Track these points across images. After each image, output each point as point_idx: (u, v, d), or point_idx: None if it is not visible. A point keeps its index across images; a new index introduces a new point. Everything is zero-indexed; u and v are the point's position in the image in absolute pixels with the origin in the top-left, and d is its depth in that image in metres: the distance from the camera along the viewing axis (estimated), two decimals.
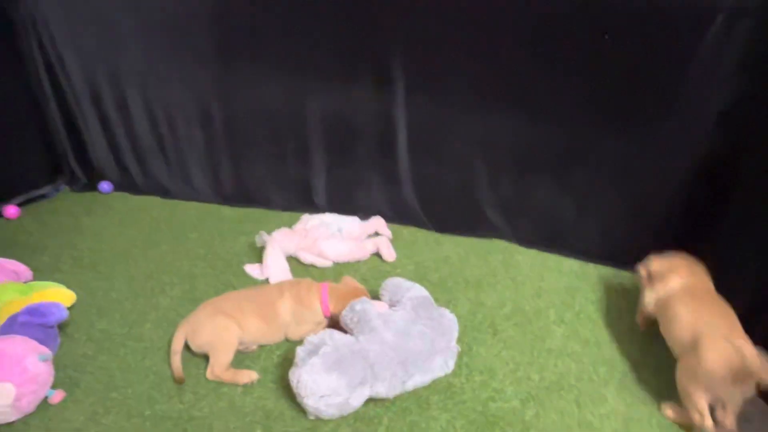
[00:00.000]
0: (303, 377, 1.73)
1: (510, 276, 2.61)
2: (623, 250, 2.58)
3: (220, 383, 1.95)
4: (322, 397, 1.71)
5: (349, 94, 2.78)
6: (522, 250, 2.82)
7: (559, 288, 2.52)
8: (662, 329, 2.00)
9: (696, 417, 1.69)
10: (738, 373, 1.61)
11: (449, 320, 2.04)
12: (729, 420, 1.69)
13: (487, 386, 1.96)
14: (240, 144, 3.09)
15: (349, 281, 2.26)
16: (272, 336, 2.13)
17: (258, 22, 2.69)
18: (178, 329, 2.06)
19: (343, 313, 2.01)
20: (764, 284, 2.03)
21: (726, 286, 2.13)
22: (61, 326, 2.16)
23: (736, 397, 1.66)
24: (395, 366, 1.81)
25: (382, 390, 1.80)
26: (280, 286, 2.22)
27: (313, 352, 1.80)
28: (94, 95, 3.13)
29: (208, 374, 1.97)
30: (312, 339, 1.86)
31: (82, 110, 3.19)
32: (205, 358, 2.02)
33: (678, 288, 1.98)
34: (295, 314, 2.11)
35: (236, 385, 1.95)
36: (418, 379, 1.87)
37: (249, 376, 1.97)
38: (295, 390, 1.76)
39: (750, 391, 1.67)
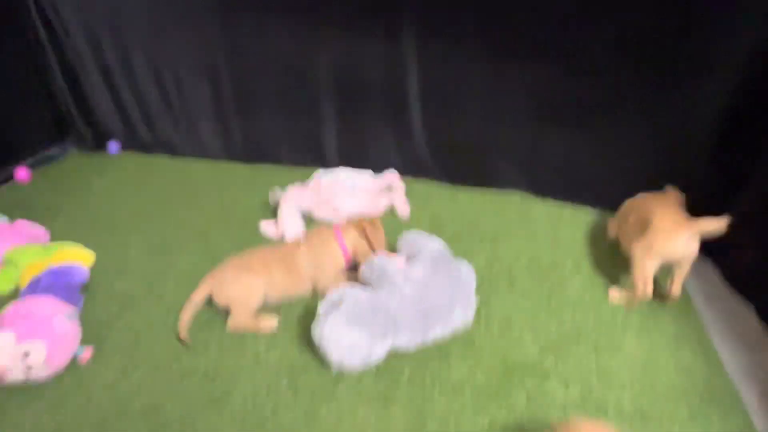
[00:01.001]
0: (325, 331, 1.75)
1: (526, 228, 2.60)
2: None
3: (243, 338, 1.99)
4: (345, 349, 1.74)
5: (360, 46, 2.68)
6: (538, 201, 2.80)
7: (576, 238, 2.51)
8: (621, 234, 2.26)
9: (640, 285, 1.99)
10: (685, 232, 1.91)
11: (467, 273, 2.04)
12: (675, 288, 2.03)
13: (506, 336, 1.99)
14: (249, 99, 3.02)
15: (362, 219, 2.28)
16: (297, 288, 2.15)
17: None
18: (202, 282, 2.08)
19: (362, 268, 2.03)
20: None
21: (748, 236, 2.12)
22: (83, 287, 2.19)
23: (684, 260, 1.97)
24: (416, 318, 1.84)
25: (404, 341, 1.83)
26: (297, 239, 2.26)
27: (335, 306, 1.82)
28: (95, 51, 3.05)
29: (229, 326, 2.02)
30: (332, 295, 1.87)
31: (84, 67, 3.12)
32: (227, 313, 2.05)
33: (640, 199, 2.26)
34: (315, 262, 2.14)
35: (258, 332, 2.00)
36: (438, 331, 1.90)
37: (270, 324, 2.02)
38: (317, 344, 1.79)
39: (694, 248, 1.94)
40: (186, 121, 3.21)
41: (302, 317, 2.09)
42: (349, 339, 1.75)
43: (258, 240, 2.54)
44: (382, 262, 1.99)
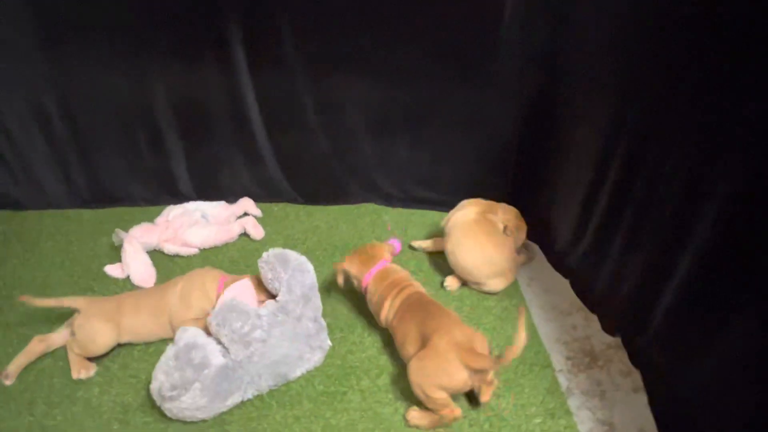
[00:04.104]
0: (174, 412, 1.72)
1: (376, 236, 2.71)
2: (477, 195, 2.76)
3: (75, 389, 1.90)
4: (189, 412, 1.72)
5: (194, 75, 2.68)
6: (388, 209, 2.92)
7: (422, 239, 2.65)
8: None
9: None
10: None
11: (319, 323, 1.98)
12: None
13: (347, 341, 2.05)
14: (87, 140, 2.89)
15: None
16: (159, 333, 2.07)
17: (80, 3, 2.49)
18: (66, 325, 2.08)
19: (209, 319, 1.82)
20: (586, 210, 2.24)
21: (559, 219, 2.36)
22: None
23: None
24: (269, 377, 1.83)
25: (250, 394, 1.82)
26: (176, 278, 2.18)
27: (183, 387, 1.68)
28: None
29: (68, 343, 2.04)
30: (176, 380, 1.68)
31: None
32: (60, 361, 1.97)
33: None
34: (183, 297, 2.05)
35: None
36: (284, 380, 1.89)
37: (83, 371, 1.96)
38: (159, 404, 1.74)
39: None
40: (23, 172, 3.01)
41: (140, 356, 2.02)
42: (198, 408, 1.72)
43: (103, 285, 2.43)
44: (227, 315, 1.78)
